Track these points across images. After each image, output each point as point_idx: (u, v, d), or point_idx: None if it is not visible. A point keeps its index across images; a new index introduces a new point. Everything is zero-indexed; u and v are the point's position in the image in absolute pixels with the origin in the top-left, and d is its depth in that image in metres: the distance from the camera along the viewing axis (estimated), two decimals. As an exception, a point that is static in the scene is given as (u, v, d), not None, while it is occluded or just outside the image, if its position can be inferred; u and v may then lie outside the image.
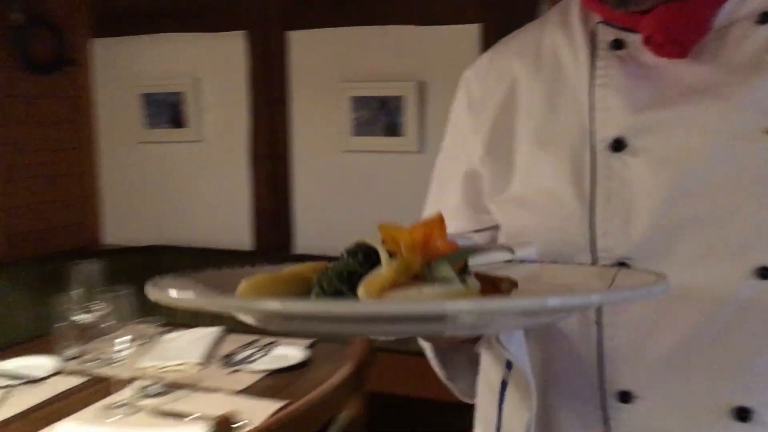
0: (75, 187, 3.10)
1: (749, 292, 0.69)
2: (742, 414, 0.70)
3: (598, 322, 0.75)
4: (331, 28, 2.76)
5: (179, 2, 2.95)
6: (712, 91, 0.70)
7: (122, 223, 3.20)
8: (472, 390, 0.86)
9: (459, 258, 0.57)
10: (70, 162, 3.08)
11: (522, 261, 0.69)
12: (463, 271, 0.57)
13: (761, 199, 0.68)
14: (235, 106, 2.92)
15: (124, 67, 3.07)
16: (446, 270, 0.55)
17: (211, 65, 2.95)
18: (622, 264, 0.73)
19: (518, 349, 0.69)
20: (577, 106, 0.77)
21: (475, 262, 0.64)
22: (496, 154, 0.82)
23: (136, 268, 1.89)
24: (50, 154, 2.99)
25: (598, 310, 0.76)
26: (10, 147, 2.79)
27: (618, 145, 0.73)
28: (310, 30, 2.78)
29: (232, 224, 2.99)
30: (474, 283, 0.57)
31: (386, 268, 0.55)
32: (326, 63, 2.79)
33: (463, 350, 0.81)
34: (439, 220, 0.58)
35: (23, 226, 2.86)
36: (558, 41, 0.80)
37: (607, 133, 0.74)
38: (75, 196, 3.10)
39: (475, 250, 0.62)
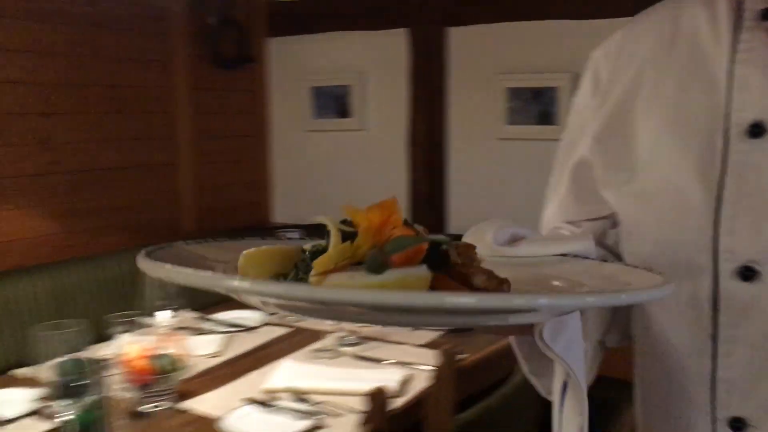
0: (252, 171, 3.49)
1: None
2: None
3: (714, 336, 0.67)
4: (489, 24, 2.96)
5: (347, 3, 3.25)
6: None
7: (290, 204, 3.56)
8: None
9: (397, 246, 0.53)
10: (249, 148, 3.47)
11: (575, 256, 0.63)
12: (429, 260, 0.53)
13: None
14: (396, 97, 3.18)
15: (296, 63, 3.41)
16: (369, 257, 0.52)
17: (374, 61, 3.23)
18: (746, 269, 0.64)
19: (567, 348, 0.60)
20: (712, 86, 0.69)
21: (521, 254, 0.61)
22: (611, 140, 0.76)
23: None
24: (233, 141, 3.38)
25: (715, 323, 0.67)
26: (202, 134, 3.20)
27: (756, 130, 0.65)
28: (469, 26, 3.00)
29: (390, 206, 3.26)
30: (405, 274, 0.51)
31: (331, 250, 0.54)
32: (483, 56, 2.99)
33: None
34: (392, 204, 0.56)
35: (210, 203, 3.26)
36: (698, 16, 0.73)
37: (744, 116, 0.66)
38: (252, 178, 3.49)
39: (420, 240, 0.54)
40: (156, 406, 1.59)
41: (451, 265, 0.55)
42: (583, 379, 0.61)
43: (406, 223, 0.56)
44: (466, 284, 0.54)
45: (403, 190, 3.22)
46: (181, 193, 3.12)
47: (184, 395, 1.65)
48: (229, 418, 1.51)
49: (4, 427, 1.53)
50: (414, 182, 3.20)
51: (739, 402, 0.66)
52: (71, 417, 1.29)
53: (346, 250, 0.54)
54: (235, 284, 0.51)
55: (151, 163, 2.99)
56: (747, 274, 0.64)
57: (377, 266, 0.51)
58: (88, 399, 1.32)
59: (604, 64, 0.81)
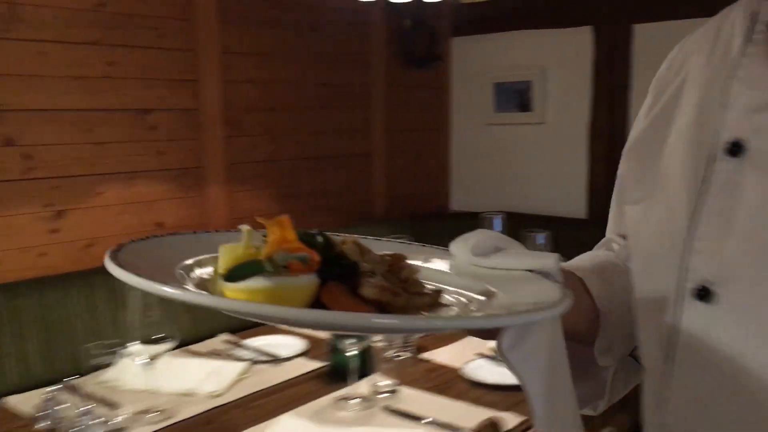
0: (434, 161, 3.76)
1: None
2: None
3: (672, 359, 0.65)
4: (674, 21, 3.04)
5: (532, 4, 3.43)
6: None
7: (467, 193, 3.80)
8: (588, 399, 0.77)
9: (281, 259, 0.56)
10: (432, 140, 3.75)
11: (538, 272, 0.61)
12: (328, 269, 0.57)
13: None
14: (577, 92, 3.33)
15: (479, 61, 3.64)
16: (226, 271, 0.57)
17: (556, 57, 3.40)
18: (703, 290, 0.62)
19: (525, 358, 0.55)
20: (719, 99, 0.65)
21: (491, 265, 0.61)
22: (639, 155, 0.74)
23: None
24: (419, 134, 3.67)
25: (674, 346, 0.65)
26: (393, 127, 3.50)
27: (736, 149, 0.62)
28: (654, 23, 3.10)
29: (568, 195, 3.42)
30: (283, 282, 0.55)
31: (237, 253, 0.58)
32: (667, 53, 3.07)
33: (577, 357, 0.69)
34: (285, 221, 0.58)
35: (399, 190, 3.57)
36: (736, 26, 0.69)
37: (728, 134, 0.63)
38: (433, 168, 3.76)
39: (295, 257, 0.56)
40: (399, 356, 1.88)
41: (358, 275, 0.57)
42: (538, 394, 0.55)
43: (307, 235, 0.60)
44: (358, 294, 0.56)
45: (583, 182, 3.37)
46: (374, 181, 3.44)
47: (421, 349, 1.93)
48: (468, 366, 1.76)
49: (282, 364, 1.87)
50: (593, 174, 3.34)
51: (689, 427, 0.65)
52: (355, 353, 1.59)
53: (250, 256, 0.58)
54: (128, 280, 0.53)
55: (351, 153, 3.33)
56: (702, 294, 0.63)
57: (227, 278, 0.56)
58: (365, 341, 1.62)
59: (663, 73, 0.78)
